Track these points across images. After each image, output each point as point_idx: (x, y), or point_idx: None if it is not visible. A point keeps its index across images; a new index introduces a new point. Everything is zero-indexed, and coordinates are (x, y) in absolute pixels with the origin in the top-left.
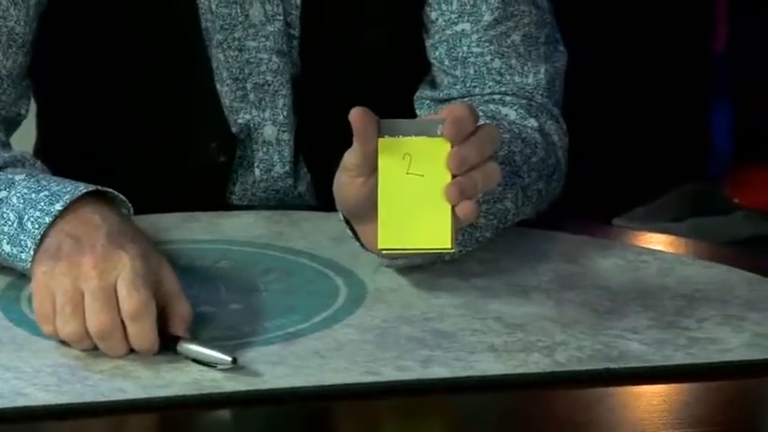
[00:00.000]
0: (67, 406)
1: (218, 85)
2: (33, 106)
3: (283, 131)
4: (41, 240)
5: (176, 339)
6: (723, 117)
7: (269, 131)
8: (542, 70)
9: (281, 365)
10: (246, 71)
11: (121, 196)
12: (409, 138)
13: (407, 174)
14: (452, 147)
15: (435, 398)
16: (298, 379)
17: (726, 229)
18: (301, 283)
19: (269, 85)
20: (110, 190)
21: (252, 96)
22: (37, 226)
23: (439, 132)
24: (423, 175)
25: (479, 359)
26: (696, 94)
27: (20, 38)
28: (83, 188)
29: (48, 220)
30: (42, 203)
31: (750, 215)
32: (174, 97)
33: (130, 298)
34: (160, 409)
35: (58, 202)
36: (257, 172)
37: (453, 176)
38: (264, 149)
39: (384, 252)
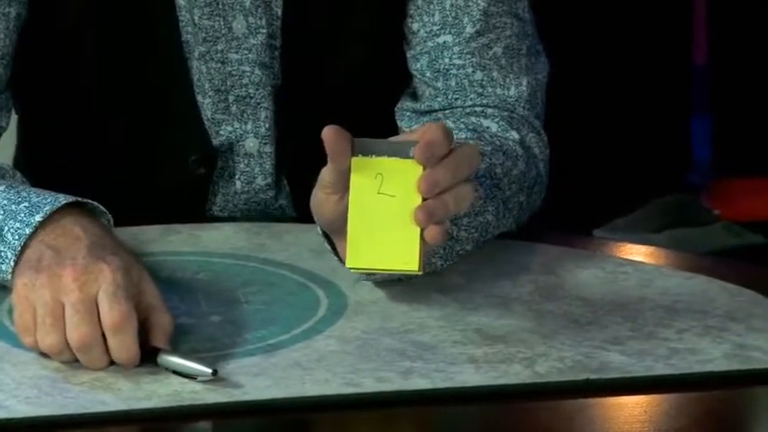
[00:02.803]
0: (48, 418)
1: (199, 98)
2: (13, 119)
3: (265, 144)
4: (22, 252)
5: (156, 351)
6: (703, 128)
7: (251, 144)
8: (524, 82)
9: (261, 377)
10: (229, 83)
11: (101, 207)
12: (382, 158)
13: (378, 194)
14: (424, 169)
15: (415, 409)
16: (278, 390)
17: (706, 239)
18: (282, 294)
19: (251, 97)
20: (90, 201)
21: (234, 109)
22: (17, 237)
23: (411, 154)
24: (394, 196)
25: (460, 370)
26: (676, 105)
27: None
28: (63, 199)
29: (28, 231)
30: (22, 214)
31: (730, 226)
32: (154, 109)
33: (112, 310)
34: (141, 420)
35: (38, 214)
36: (238, 184)
37: (425, 199)
38: (246, 161)
39: (351, 270)
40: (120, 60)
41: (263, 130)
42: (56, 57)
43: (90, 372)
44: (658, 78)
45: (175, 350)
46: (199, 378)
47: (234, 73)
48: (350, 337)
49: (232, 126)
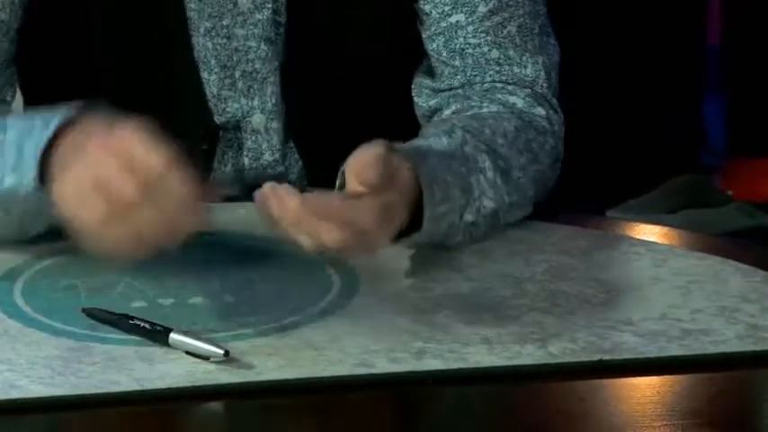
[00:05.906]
0: (61, 398)
1: (204, 74)
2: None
3: (272, 119)
4: (47, 156)
5: (168, 331)
6: (717, 109)
7: (257, 120)
8: (540, 61)
9: (274, 357)
10: (235, 59)
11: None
12: None
13: None
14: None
15: (428, 390)
16: (291, 371)
17: (719, 220)
18: (295, 274)
19: (257, 72)
20: (97, 101)
21: (240, 84)
22: (36, 145)
23: None
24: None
25: (473, 351)
26: (690, 86)
27: (4, 25)
28: (75, 104)
29: (48, 134)
30: (37, 130)
31: (743, 207)
32: (157, 86)
33: (150, 155)
34: (153, 400)
35: (53, 121)
36: (246, 160)
37: None
38: (253, 138)
39: None
40: (123, 36)
41: (269, 105)
42: (58, 33)
43: (103, 352)
44: (672, 58)
45: (188, 330)
46: (211, 358)
47: (240, 48)
48: (363, 317)
49: (239, 102)
